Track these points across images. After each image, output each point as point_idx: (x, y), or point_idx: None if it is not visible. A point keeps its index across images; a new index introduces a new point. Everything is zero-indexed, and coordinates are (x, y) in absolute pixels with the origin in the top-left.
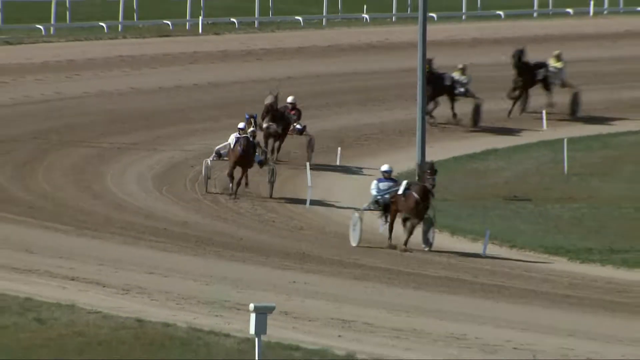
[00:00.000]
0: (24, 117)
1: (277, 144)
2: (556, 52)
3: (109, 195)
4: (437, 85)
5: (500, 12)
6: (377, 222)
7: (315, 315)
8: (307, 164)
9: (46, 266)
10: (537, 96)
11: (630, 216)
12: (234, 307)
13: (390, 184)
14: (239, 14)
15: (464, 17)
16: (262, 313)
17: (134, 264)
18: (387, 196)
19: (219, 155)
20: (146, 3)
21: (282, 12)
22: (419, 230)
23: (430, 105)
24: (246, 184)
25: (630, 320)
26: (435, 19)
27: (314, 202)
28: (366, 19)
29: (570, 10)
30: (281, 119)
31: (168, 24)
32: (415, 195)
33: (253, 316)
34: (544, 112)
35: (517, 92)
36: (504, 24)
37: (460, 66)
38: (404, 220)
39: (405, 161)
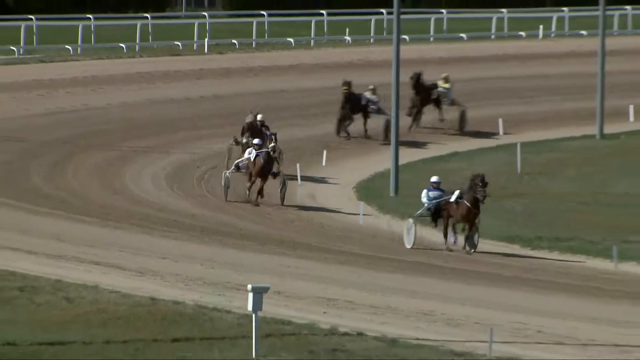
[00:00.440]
0: (55, 124)
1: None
2: (444, 74)
3: (127, 191)
4: (354, 104)
5: (463, 35)
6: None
7: (304, 294)
8: (297, 165)
9: (74, 252)
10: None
11: (574, 210)
12: (235, 288)
13: (439, 192)
14: (240, 36)
15: (431, 38)
16: (259, 293)
17: (149, 251)
18: (422, 203)
19: (237, 168)
20: (159, 27)
21: (276, 34)
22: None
23: (347, 122)
24: (262, 194)
25: (573, 298)
26: (408, 40)
27: (303, 198)
28: (348, 40)
29: (522, 33)
30: (259, 134)
31: (178, 45)
32: (467, 203)
33: (251, 295)
34: (500, 120)
35: (415, 110)
36: (466, 44)
37: (372, 87)
38: (452, 225)
39: (381, 162)
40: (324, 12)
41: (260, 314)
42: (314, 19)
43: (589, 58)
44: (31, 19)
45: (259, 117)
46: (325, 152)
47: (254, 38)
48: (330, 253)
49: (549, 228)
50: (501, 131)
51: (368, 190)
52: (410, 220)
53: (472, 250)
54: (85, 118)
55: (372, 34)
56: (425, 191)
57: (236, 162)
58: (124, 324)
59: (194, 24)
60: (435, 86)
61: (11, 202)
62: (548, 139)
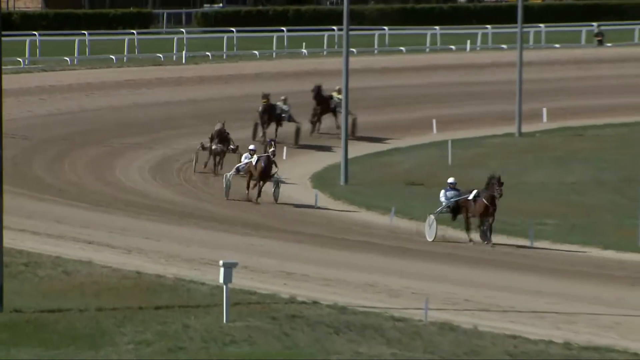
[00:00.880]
0: (55, 124)
1: (219, 159)
2: (337, 87)
3: (117, 181)
4: (271, 113)
5: (403, 48)
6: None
7: (267, 269)
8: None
9: (71, 233)
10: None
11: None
12: (208, 263)
13: (455, 192)
14: (212, 49)
15: (376, 51)
16: (229, 267)
17: (135, 232)
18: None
19: (237, 170)
20: (144, 41)
21: (243, 47)
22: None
23: (263, 129)
24: (259, 193)
25: (495, 272)
26: (355, 52)
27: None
28: (305, 53)
29: (452, 46)
30: (226, 140)
31: (160, 56)
32: (485, 201)
33: (222, 270)
34: (434, 120)
35: (316, 118)
36: (405, 56)
37: (283, 97)
38: (467, 220)
39: (332, 157)
40: (284, 28)
41: (230, 285)
42: (275, 35)
43: (509, 68)
44: (34, 35)
45: (219, 125)
46: (285, 148)
47: (224, 51)
48: (289, 234)
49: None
50: (435, 130)
51: (322, 180)
52: (432, 216)
53: (487, 242)
54: (81, 119)
55: (325, 47)
56: (442, 191)
57: (236, 165)
58: (114, 294)
59: (174, 38)
60: (331, 97)
61: (17, 190)
62: (474, 137)
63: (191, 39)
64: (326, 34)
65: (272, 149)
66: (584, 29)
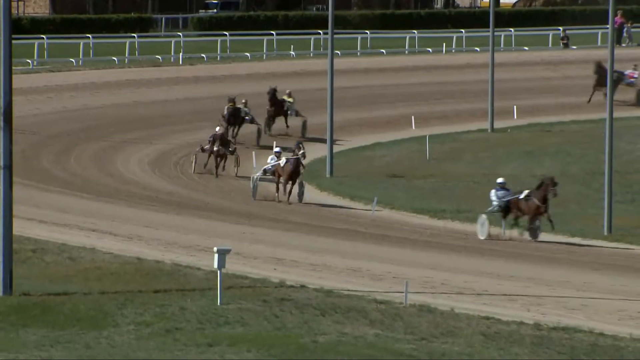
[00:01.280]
0: (61, 121)
1: (222, 161)
2: (288, 91)
3: (118, 174)
4: (236, 116)
5: (383, 50)
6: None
7: (258, 255)
8: (253, 152)
9: (76, 222)
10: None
11: (470, 187)
12: (203, 250)
13: (505, 192)
14: (207, 51)
15: (358, 53)
16: (222, 254)
17: (135, 220)
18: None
19: (264, 172)
20: (144, 44)
21: (236, 50)
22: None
23: (231, 131)
24: (289, 194)
25: (470, 258)
26: (340, 54)
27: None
28: (293, 54)
29: (429, 49)
30: (226, 143)
31: (159, 58)
32: (536, 201)
33: (216, 256)
34: (413, 117)
35: (271, 119)
36: (385, 58)
37: (244, 100)
38: (516, 218)
39: (318, 151)
40: (273, 32)
41: (223, 270)
42: (265, 38)
43: (481, 69)
44: (43, 38)
45: (217, 129)
46: (275, 142)
47: (218, 53)
48: (279, 222)
49: (451, 202)
50: (413, 126)
51: (308, 172)
52: (484, 215)
53: (535, 240)
54: (85, 116)
55: (311, 49)
56: (493, 191)
57: (264, 167)
58: (115, 278)
59: (171, 41)
60: (284, 100)
61: (26, 182)
62: (450, 132)
63: (187, 42)
64: (313, 37)
65: (303, 150)
66: (550, 33)
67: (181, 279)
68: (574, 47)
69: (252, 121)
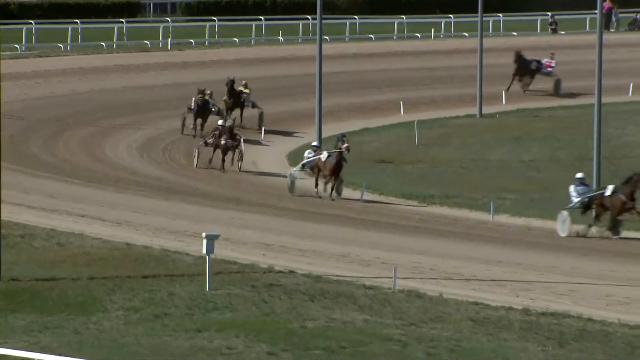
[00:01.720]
0: (50, 106)
1: (230, 154)
2: (244, 82)
3: (107, 159)
4: (205, 109)
5: (372, 36)
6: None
7: (247, 240)
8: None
9: (64, 207)
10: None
11: (459, 172)
12: (192, 235)
13: (585, 188)
14: (195, 36)
15: (347, 38)
16: (211, 239)
17: (124, 206)
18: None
19: (303, 167)
20: (132, 29)
21: (224, 35)
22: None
23: (195, 123)
24: (332, 189)
25: (458, 243)
26: (328, 40)
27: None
28: (281, 40)
29: (418, 34)
30: (234, 136)
31: (147, 43)
32: (623, 197)
33: (205, 241)
34: (401, 102)
35: (229, 111)
36: (374, 43)
37: (209, 92)
38: (597, 216)
39: (308, 136)
40: (262, 17)
41: (212, 256)
42: (254, 23)
43: (470, 54)
44: (31, 23)
45: (221, 122)
46: (263, 128)
47: (206, 38)
48: (267, 208)
49: (440, 187)
50: (402, 111)
51: (298, 158)
52: (564, 212)
53: (615, 237)
54: (73, 101)
55: (300, 35)
56: (572, 187)
57: (302, 162)
58: (104, 264)
59: (159, 26)
60: (241, 92)
61: (14, 167)
62: (438, 117)
63: (176, 27)
64: (301, 22)
65: (347, 144)
66: (539, 18)
67: (170, 265)
68: (563, 32)
69: (218, 112)
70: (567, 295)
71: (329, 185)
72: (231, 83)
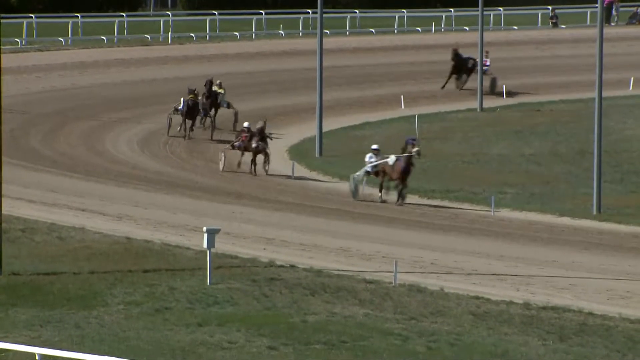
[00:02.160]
0: (50, 100)
1: (263, 157)
2: (218, 81)
3: (107, 153)
4: (195, 110)
5: (372, 30)
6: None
7: (248, 234)
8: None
9: (65, 201)
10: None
11: (460, 167)
12: (193, 230)
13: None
14: (196, 30)
15: (347, 32)
16: (212, 233)
17: (125, 200)
18: None
19: (367, 172)
20: (133, 23)
21: (225, 29)
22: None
23: (185, 124)
24: (399, 195)
25: (459, 237)
26: (329, 34)
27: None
28: (282, 34)
29: (419, 28)
30: (265, 138)
31: (147, 37)
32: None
33: (205, 235)
34: (402, 96)
35: (206, 111)
36: (375, 37)
37: (218, 82)
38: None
39: (308, 130)
40: (262, 11)
41: (213, 250)
42: (254, 17)
43: (471, 48)
44: (31, 17)
45: (245, 124)
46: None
47: (207, 32)
48: (268, 202)
49: (440, 181)
50: (402, 105)
51: (298, 152)
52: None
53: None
54: (74, 95)
55: (300, 28)
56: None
57: (366, 167)
58: (105, 258)
59: (160, 20)
60: (217, 92)
61: (15, 161)
62: (439, 112)
63: (176, 21)
64: (302, 16)
65: (417, 148)
66: (539, 12)
67: (170, 259)
68: (563, 26)
69: (228, 106)
70: (568, 290)
71: (398, 191)
72: (210, 83)
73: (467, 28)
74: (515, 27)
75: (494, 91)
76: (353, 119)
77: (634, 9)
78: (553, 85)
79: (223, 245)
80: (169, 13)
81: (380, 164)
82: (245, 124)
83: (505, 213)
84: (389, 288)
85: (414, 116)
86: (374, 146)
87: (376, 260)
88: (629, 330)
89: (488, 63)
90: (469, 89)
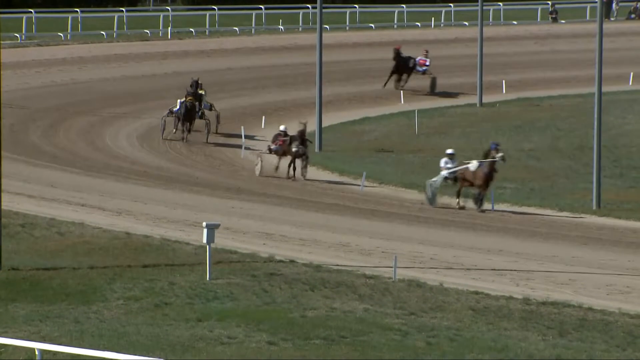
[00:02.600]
0: (50, 95)
1: (302, 161)
2: (196, 78)
3: (107, 148)
4: (193, 113)
5: (372, 25)
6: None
7: (247, 229)
8: (242, 127)
9: (64, 196)
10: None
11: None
12: (192, 225)
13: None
14: (196, 25)
15: (347, 27)
16: (211, 228)
17: (124, 195)
18: None
19: (446, 179)
20: (132, 18)
21: (224, 24)
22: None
23: (184, 127)
24: (480, 201)
25: (458, 233)
26: (328, 29)
27: (247, 154)
28: (281, 29)
29: (418, 23)
30: (305, 142)
31: (147, 32)
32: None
33: (205, 231)
34: (401, 91)
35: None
36: (374, 32)
37: (199, 83)
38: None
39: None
40: (262, 6)
41: (212, 245)
42: (254, 12)
43: (470, 43)
44: (31, 12)
45: (282, 127)
46: (264, 117)
47: (207, 27)
48: (268, 197)
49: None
50: (402, 100)
51: None
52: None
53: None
54: (73, 90)
55: (300, 24)
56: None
57: (443, 174)
58: (104, 253)
59: (160, 15)
60: (201, 96)
61: (14, 156)
62: (439, 107)
63: (176, 16)
64: (301, 11)
65: (502, 153)
66: (539, 7)
67: (170, 254)
68: (563, 21)
69: (210, 108)
70: (568, 285)
71: (480, 197)
72: (195, 84)
73: (466, 23)
74: (515, 22)
75: (434, 91)
76: (352, 114)
77: (634, 4)
78: (552, 80)
79: (222, 241)
80: (169, 8)
81: (460, 169)
82: (282, 127)
83: (504, 208)
84: (389, 283)
85: (414, 111)
86: (449, 150)
87: (376, 256)
88: (629, 325)
89: (428, 62)
90: (411, 89)
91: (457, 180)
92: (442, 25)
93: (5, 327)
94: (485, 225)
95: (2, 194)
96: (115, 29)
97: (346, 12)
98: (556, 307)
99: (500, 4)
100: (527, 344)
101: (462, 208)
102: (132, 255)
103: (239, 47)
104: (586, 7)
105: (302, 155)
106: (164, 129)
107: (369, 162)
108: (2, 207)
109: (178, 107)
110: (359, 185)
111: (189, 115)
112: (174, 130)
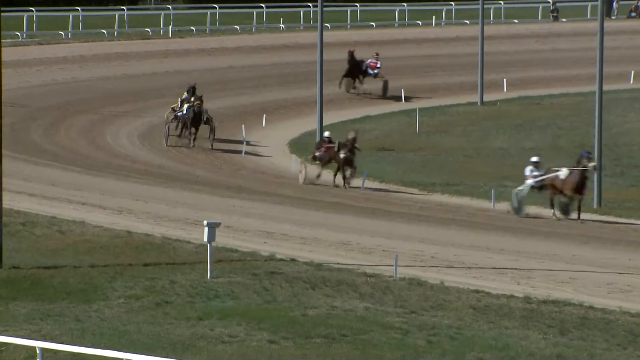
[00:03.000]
0: (51, 94)
1: (348, 169)
2: (195, 86)
3: (108, 147)
4: (200, 118)
5: (373, 23)
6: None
7: (248, 228)
8: (243, 125)
9: (65, 195)
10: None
11: (460, 161)
12: (193, 223)
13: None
14: (196, 23)
15: (348, 26)
16: (212, 227)
17: (125, 193)
18: None
19: (532, 187)
20: (133, 17)
21: (225, 22)
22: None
23: (190, 132)
24: (579, 210)
25: (459, 232)
26: (329, 27)
27: (247, 153)
28: (282, 27)
29: (419, 22)
30: (353, 149)
31: (148, 31)
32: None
33: (206, 229)
34: (402, 90)
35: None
36: (375, 31)
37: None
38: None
39: (308, 124)
40: (263, 5)
41: (213, 244)
42: (255, 11)
43: (471, 41)
44: (32, 10)
45: (326, 134)
46: (265, 115)
47: (207, 25)
48: (268, 195)
49: (441, 175)
50: (403, 99)
51: (299, 146)
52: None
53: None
54: (74, 89)
55: (301, 22)
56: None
57: (532, 181)
58: (105, 252)
59: (161, 14)
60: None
61: (15, 155)
62: (440, 105)
63: (177, 15)
64: (302, 10)
65: (594, 163)
66: (540, 5)
67: (171, 253)
68: (564, 19)
69: (207, 122)
70: (568, 283)
71: (577, 207)
72: (193, 89)
73: (467, 21)
74: (516, 21)
75: (385, 95)
76: (353, 113)
77: (635, 2)
78: (553, 79)
79: (223, 239)
80: (170, 7)
81: (549, 177)
82: (326, 134)
83: (505, 206)
84: (390, 282)
85: (415, 110)
86: (534, 158)
87: (376, 254)
88: (630, 323)
89: (379, 65)
90: (367, 92)
91: (543, 189)
92: (443, 23)
93: (6, 326)
94: (486, 223)
95: (3, 193)
96: (116, 28)
97: (347, 10)
98: (557, 305)
99: (501, 2)
100: (528, 342)
101: (559, 219)
102: (133, 253)
103: (239, 46)
104: (587, 5)
105: (351, 162)
106: (168, 136)
107: (370, 160)
108: (3, 205)
109: (185, 111)
110: (360, 184)
111: (197, 120)
112: (179, 135)
